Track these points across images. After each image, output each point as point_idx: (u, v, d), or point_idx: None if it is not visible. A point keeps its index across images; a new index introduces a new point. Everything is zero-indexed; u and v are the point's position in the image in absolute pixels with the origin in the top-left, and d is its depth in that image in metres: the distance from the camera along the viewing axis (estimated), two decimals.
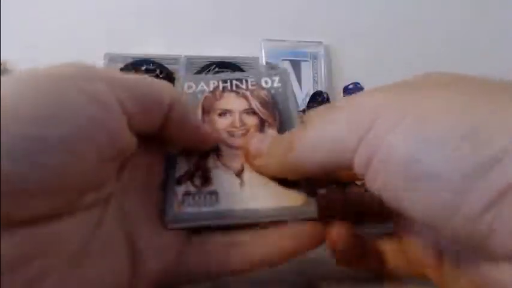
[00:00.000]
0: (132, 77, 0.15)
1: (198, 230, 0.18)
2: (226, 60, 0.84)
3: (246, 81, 0.23)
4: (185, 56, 0.87)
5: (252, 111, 0.21)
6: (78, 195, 0.13)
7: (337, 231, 0.18)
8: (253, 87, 0.22)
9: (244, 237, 0.18)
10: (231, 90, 0.22)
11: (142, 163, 0.17)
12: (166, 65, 0.86)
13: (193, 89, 0.22)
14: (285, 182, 0.18)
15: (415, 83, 0.16)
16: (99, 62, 0.72)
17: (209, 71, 0.85)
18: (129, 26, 0.82)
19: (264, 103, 0.22)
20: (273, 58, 0.77)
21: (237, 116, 0.21)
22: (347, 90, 0.71)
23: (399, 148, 0.13)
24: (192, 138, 0.18)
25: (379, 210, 0.19)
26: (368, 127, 0.14)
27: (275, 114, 0.21)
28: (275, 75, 0.23)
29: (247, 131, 0.21)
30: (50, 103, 0.12)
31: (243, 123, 0.21)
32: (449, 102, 0.13)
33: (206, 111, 0.21)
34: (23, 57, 0.75)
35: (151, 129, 0.16)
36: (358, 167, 0.15)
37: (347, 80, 0.72)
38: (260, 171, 0.18)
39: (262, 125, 0.21)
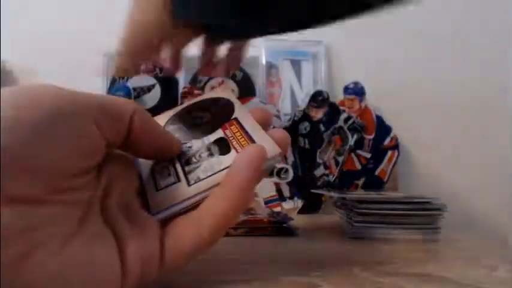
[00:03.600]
0: (100, 95, 0.18)
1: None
2: None
3: None
4: (184, 56, 0.86)
5: None
6: (60, 180, 0.15)
7: None
8: None
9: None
10: None
11: (117, 172, 0.19)
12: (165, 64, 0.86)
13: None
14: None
15: None
16: (99, 62, 0.72)
17: None
18: None
19: None
20: (273, 57, 0.77)
21: None
22: (347, 90, 0.70)
23: None
24: (158, 144, 0.20)
25: None
26: None
27: None
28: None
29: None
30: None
31: None
32: None
33: None
34: (23, 57, 0.76)
35: (119, 136, 0.18)
36: None
37: (347, 80, 0.72)
38: None
39: None
